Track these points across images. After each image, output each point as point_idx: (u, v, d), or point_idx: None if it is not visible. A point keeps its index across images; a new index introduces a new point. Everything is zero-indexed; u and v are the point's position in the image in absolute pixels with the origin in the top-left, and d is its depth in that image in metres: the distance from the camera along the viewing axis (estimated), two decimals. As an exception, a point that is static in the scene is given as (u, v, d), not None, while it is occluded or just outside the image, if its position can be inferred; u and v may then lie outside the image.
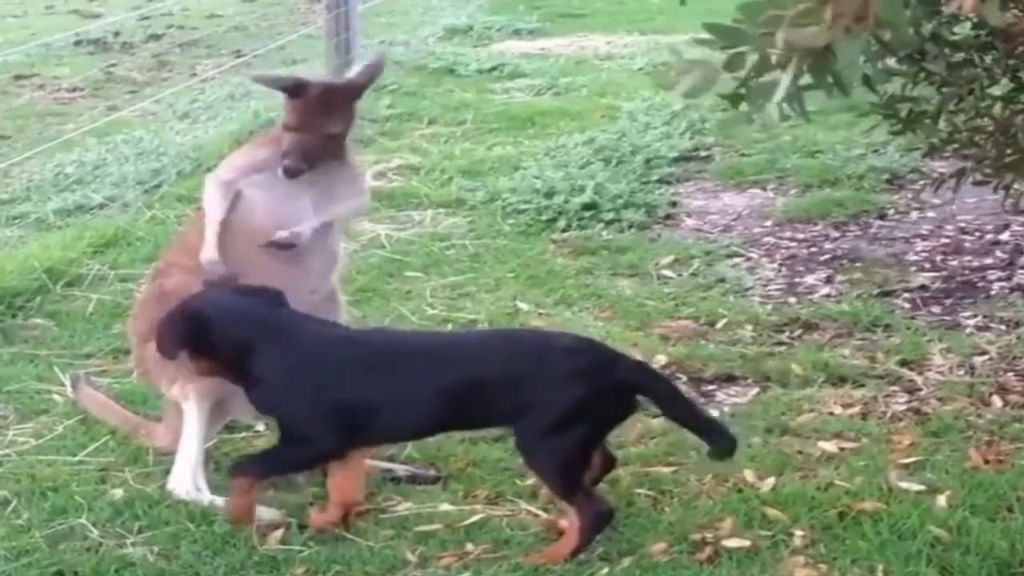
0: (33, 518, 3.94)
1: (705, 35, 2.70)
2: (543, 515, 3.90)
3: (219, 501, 3.96)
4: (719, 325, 5.28)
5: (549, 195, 6.74)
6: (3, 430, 4.53)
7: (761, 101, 2.73)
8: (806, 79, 2.68)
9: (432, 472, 4.17)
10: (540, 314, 5.43)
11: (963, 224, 6.40)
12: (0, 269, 5.76)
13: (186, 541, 3.81)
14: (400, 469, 4.17)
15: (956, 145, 5.40)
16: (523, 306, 5.50)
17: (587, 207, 6.62)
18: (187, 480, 4.04)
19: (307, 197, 4.14)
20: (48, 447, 4.38)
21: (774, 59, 2.65)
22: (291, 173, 4.10)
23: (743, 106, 2.79)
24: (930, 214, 6.58)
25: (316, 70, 10.02)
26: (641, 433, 4.38)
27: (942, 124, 5.36)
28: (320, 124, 4.11)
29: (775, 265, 6.01)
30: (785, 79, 2.62)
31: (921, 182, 6.73)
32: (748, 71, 2.71)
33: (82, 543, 3.82)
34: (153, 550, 3.77)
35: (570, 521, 3.65)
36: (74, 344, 5.21)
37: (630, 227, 6.49)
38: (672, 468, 4.15)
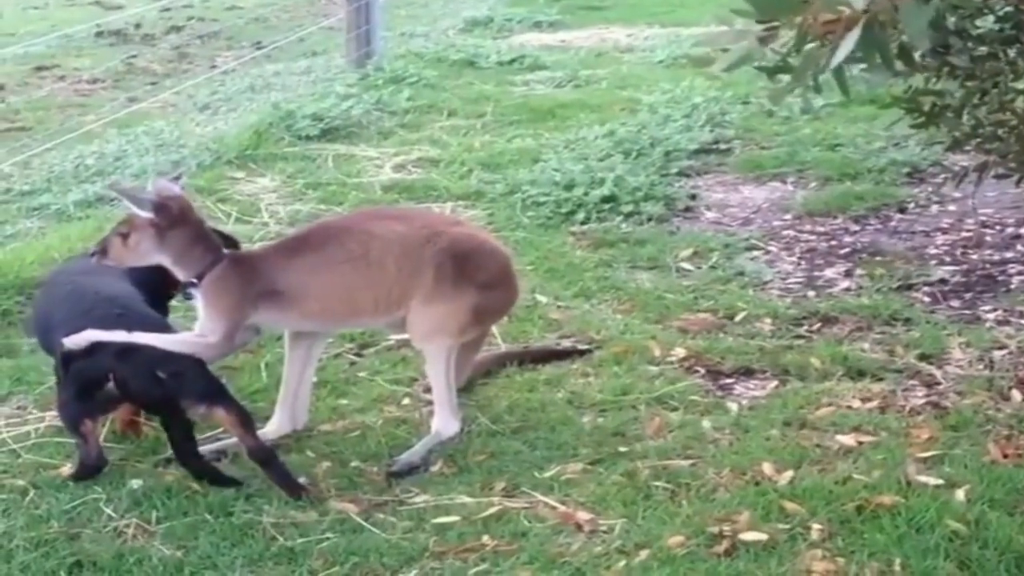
0: (52, 508, 3.96)
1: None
2: (560, 507, 3.90)
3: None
4: (738, 318, 5.27)
5: (569, 188, 6.73)
6: (23, 420, 4.55)
7: (809, 71, 2.68)
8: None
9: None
10: (559, 306, 5.42)
11: (984, 218, 6.38)
12: (21, 260, 5.78)
13: (204, 532, 3.82)
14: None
15: (979, 139, 5.38)
16: (542, 299, 5.49)
17: (606, 200, 6.61)
18: (454, 419, 4.37)
19: None
20: (67, 437, 4.38)
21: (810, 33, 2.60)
22: None
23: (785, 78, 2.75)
24: (950, 208, 6.55)
25: (336, 62, 10.05)
26: (659, 426, 4.38)
27: (965, 118, 5.33)
28: None
29: (794, 258, 6.00)
30: (847, 43, 2.55)
31: (942, 176, 6.70)
32: (790, 43, 2.66)
33: (101, 534, 3.84)
34: (171, 541, 3.79)
35: None
36: (93, 335, 5.21)
37: (649, 220, 6.48)
38: (690, 461, 4.14)
